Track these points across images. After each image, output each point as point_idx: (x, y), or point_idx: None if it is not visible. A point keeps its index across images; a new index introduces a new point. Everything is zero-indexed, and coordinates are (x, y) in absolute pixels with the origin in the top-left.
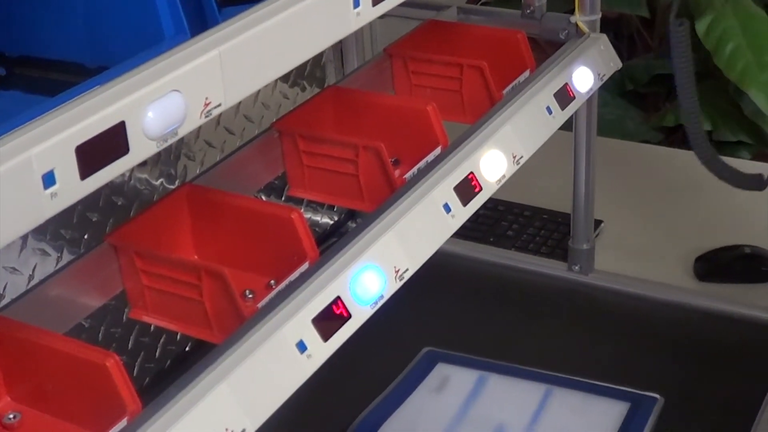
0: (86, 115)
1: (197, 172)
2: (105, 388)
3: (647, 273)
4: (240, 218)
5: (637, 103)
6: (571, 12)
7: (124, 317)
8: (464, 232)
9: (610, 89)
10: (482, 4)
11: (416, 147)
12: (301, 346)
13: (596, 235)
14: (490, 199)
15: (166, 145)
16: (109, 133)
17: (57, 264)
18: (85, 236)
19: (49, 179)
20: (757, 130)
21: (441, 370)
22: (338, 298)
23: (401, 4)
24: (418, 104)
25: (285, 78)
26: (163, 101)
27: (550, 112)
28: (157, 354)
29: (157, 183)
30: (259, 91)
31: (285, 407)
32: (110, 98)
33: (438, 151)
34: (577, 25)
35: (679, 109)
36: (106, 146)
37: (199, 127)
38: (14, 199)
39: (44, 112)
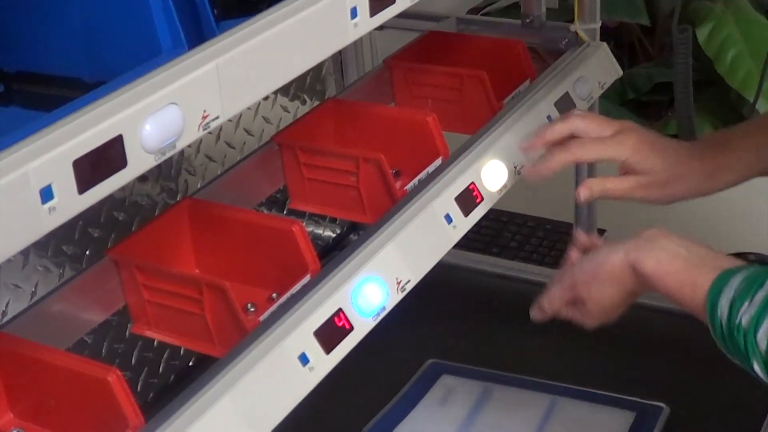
0: (83, 129)
1: (198, 186)
2: (107, 403)
3: None
4: (241, 231)
5: (639, 112)
6: (571, 21)
7: (127, 332)
8: (466, 243)
9: (612, 98)
10: (483, 15)
11: (417, 158)
12: (304, 359)
13: None
14: (492, 210)
15: (164, 158)
16: (107, 147)
17: (59, 280)
18: (87, 252)
19: (47, 194)
20: None
21: (445, 381)
22: (340, 310)
23: (400, 16)
24: (418, 115)
25: (285, 91)
26: (160, 114)
27: (551, 121)
28: (160, 369)
29: (158, 198)
30: (259, 104)
31: (288, 420)
32: (107, 112)
33: (439, 161)
34: (577, 33)
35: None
36: (103, 160)
37: (200, 142)
38: (12, 213)
39: (42, 127)
